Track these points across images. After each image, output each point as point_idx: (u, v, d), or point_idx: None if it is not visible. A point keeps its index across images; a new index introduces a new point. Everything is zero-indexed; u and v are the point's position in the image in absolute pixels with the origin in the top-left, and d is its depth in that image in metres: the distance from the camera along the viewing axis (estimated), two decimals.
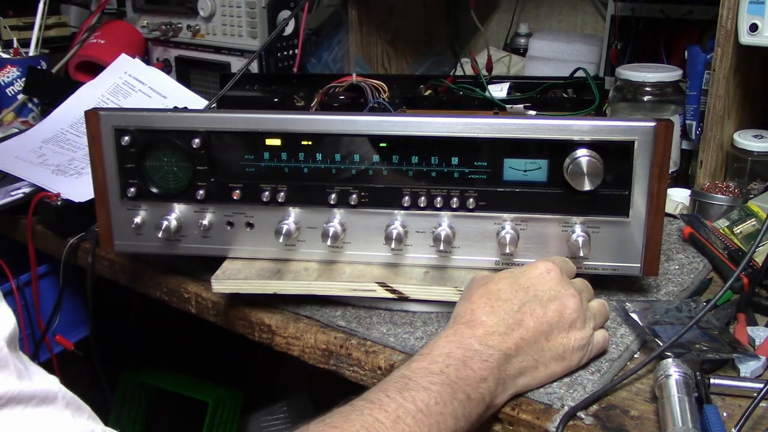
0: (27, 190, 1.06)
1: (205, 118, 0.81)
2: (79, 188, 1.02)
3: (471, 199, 0.79)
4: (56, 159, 1.11)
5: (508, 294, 0.68)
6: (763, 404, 0.63)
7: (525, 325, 0.66)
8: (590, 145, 0.75)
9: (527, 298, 0.68)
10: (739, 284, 0.82)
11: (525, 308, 0.67)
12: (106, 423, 0.52)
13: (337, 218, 0.81)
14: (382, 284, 0.79)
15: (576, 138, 0.75)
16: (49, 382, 0.49)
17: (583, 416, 0.64)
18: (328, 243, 0.80)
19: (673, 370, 0.64)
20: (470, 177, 0.79)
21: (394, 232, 0.79)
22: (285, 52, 1.43)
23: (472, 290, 0.71)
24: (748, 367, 0.68)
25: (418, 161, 0.79)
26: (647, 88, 1.08)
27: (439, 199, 0.79)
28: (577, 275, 0.76)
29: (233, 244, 0.84)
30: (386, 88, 1.16)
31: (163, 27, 1.54)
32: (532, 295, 0.68)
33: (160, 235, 0.83)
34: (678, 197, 1.05)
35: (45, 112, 1.29)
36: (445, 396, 0.60)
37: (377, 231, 0.81)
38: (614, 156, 0.75)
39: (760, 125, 1.06)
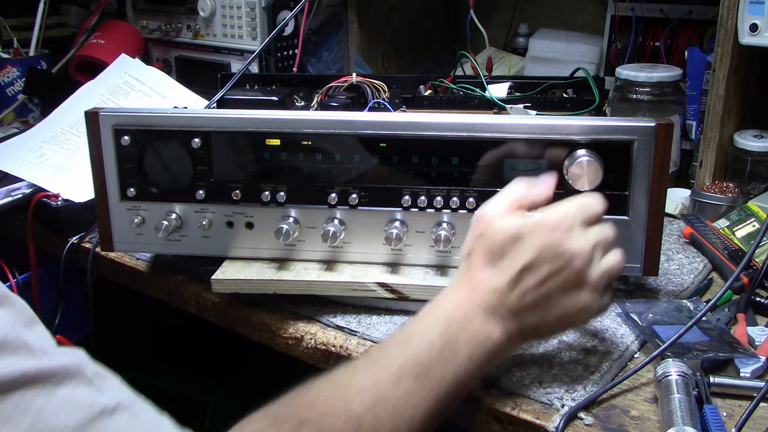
0: (27, 190, 1.06)
1: (205, 118, 0.81)
2: (79, 188, 1.02)
3: (471, 199, 0.79)
4: (56, 159, 1.11)
5: (512, 252, 0.64)
6: (763, 404, 0.63)
7: (526, 284, 0.64)
8: (590, 145, 0.75)
9: (531, 256, 0.64)
10: (739, 284, 0.82)
11: (527, 268, 0.64)
12: None
13: (337, 218, 0.81)
14: (382, 284, 0.79)
15: (576, 138, 0.75)
16: (68, 356, 0.48)
17: (583, 416, 0.64)
18: (328, 243, 0.80)
19: (673, 370, 0.64)
20: (470, 177, 0.79)
21: (394, 232, 0.79)
22: (285, 52, 1.43)
23: (477, 244, 0.66)
24: (748, 367, 0.68)
25: (418, 161, 0.79)
26: (647, 88, 1.08)
27: (439, 199, 0.79)
28: None
29: (233, 244, 0.84)
30: (386, 88, 1.16)
31: (163, 27, 1.54)
32: (536, 255, 0.64)
33: (160, 235, 0.83)
34: (678, 197, 1.05)
35: (45, 112, 1.29)
36: (446, 356, 0.61)
37: (377, 231, 0.81)
38: (614, 156, 0.75)
39: (760, 125, 1.06)
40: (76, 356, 0.49)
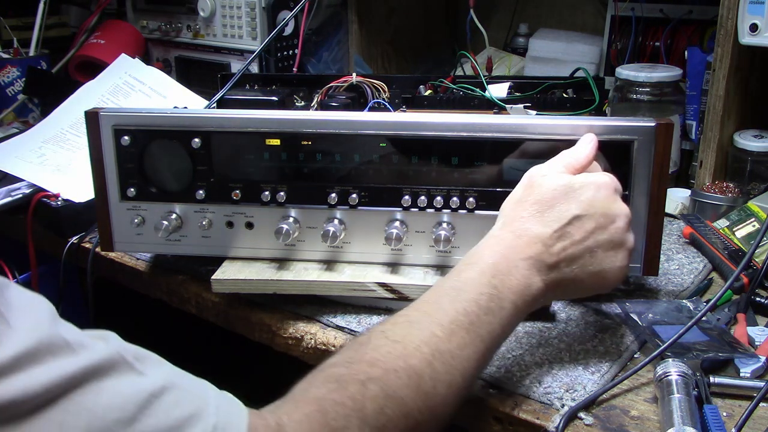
0: (27, 190, 1.06)
1: (205, 118, 0.81)
2: (79, 188, 1.02)
3: (471, 199, 0.79)
4: (56, 159, 1.11)
5: (561, 205, 0.66)
6: (763, 404, 0.63)
7: (571, 238, 0.65)
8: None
9: (579, 211, 0.66)
10: (739, 284, 0.82)
11: (575, 221, 0.66)
12: None
13: (337, 218, 0.81)
14: (382, 284, 0.79)
15: (576, 138, 0.75)
16: (106, 344, 0.47)
17: (583, 416, 0.64)
18: (328, 243, 0.80)
19: (673, 370, 0.64)
20: (470, 177, 0.79)
21: (394, 232, 0.79)
22: (285, 52, 1.43)
23: (527, 193, 0.69)
24: (748, 367, 0.68)
25: (418, 161, 0.79)
26: (647, 88, 1.08)
27: (439, 198, 0.79)
28: None
29: (233, 244, 0.84)
30: (386, 88, 1.16)
31: (163, 27, 1.54)
32: (584, 209, 0.66)
33: (160, 235, 0.83)
34: (678, 197, 1.05)
35: (45, 112, 1.29)
36: (493, 306, 0.61)
37: (377, 231, 0.81)
38: (614, 156, 0.75)
39: (760, 125, 1.06)
40: (112, 342, 0.48)
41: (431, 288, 0.65)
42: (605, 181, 0.69)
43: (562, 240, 0.65)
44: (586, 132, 0.75)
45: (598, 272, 0.67)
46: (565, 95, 1.16)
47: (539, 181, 0.69)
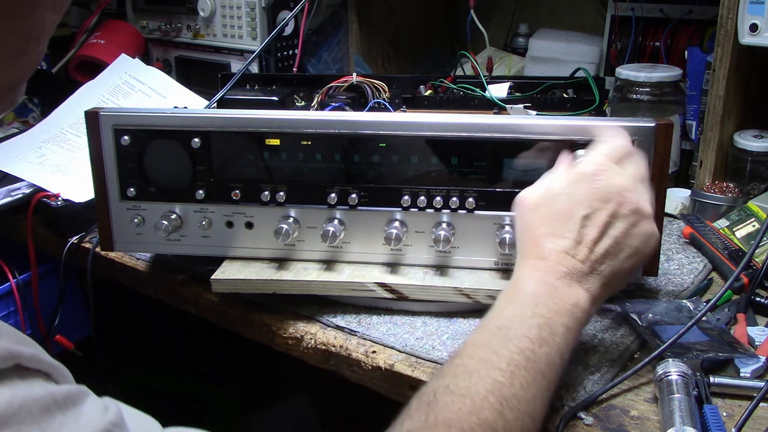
0: (27, 190, 1.06)
1: (205, 118, 0.81)
2: (79, 188, 1.02)
3: (471, 199, 0.79)
4: (56, 159, 1.11)
5: (567, 213, 0.66)
6: (763, 404, 0.63)
7: (590, 236, 0.65)
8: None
9: (585, 210, 0.65)
10: (739, 284, 0.82)
11: (586, 221, 0.65)
12: None
13: (336, 218, 0.81)
14: (382, 284, 0.79)
15: (576, 138, 0.75)
16: None
17: (583, 416, 0.64)
18: (328, 243, 0.80)
19: (673, 370, 0.64)
20: (470, 177, 0.79)
21: (394, 232, 0.79)
22: (285, 52, 1.43)
23: (529, 216, 0.68)
24: (748, 367, 0.68)
25: (418, 161, 0.79)
26: (647, 88, 1.08)
27: (438, 199, 0.79)
28: None
29: (233, 244, 0.84)
30: (386, 88, 1.16)
31: (163, 27, 1.54)
32: (589, 205, 0.66)
33: (160, 235, 0.83)
34: (678, 197, 1.05)
35: (45, 112, 1.29)
36: (545, 336, 0.61)
37: (377, 231, 0.81)
38: None
39: (760, 125, 1.06)
40: None
41: (476, 331, 0.63)
42: (592, 167, 0.67)
43: (585, 244, 0.65)
44: (586, 132, 0.75)
45: (632, 253, 0.66)
46: (565, 95, 1.16)
47: (532, 202, 0.68)
